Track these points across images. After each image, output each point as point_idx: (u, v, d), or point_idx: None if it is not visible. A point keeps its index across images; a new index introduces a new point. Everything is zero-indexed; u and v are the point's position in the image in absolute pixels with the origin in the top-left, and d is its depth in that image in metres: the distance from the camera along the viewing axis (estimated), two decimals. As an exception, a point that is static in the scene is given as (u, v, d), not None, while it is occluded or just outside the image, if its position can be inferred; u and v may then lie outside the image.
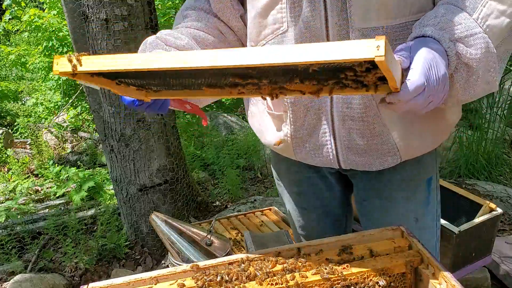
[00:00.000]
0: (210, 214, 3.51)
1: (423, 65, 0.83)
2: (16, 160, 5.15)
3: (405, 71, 0.84)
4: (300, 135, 1.19)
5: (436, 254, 1.34)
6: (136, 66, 0.81)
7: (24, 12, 6.74)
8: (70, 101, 5.93)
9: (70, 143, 5.69)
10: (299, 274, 0.90)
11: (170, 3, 5.62)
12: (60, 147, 5.58)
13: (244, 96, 1.00)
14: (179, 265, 1.29)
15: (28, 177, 4.83)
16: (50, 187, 4.36)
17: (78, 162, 4.96)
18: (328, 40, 1.04)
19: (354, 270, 0.91)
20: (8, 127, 6.27)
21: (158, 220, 1.48)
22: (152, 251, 3.22)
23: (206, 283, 0.89)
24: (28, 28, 6.30)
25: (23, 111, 6.51)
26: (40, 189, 4.41)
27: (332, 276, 0.89)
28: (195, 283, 0.90)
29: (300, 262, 0.94)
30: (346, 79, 0.84)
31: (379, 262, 0.93)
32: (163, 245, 2.85)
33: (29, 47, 7.80)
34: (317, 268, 0.91)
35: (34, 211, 3.84)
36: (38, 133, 5.50)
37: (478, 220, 2.17)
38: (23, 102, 7.22)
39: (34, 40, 6.72)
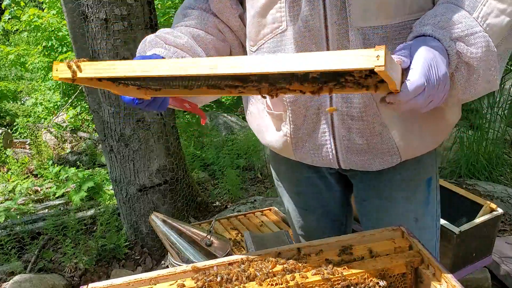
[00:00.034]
0: (210, 215, 3.51)
1: (423, 65, 0.83)
2: (15, 160, 5.15)
3: (405, 70, 0.84)
4: (300, 135, 1.19)
5: (436, 254, 1.34)
6: (136, 73, 0.81)
7: (24, 12, 6.74)
8: (70, 101, 5.93)
9: (69, 143, 5.69)
10: (299, 274, 0.90)
11: (170, 2, 5.63)
12: (60, 147, 5.58)
13: (244, 95, 1.00)
14: (179, 265, 1.29)
15: (27, 177, 4.83)
16: (50, 187, 4.36)
17: (78, 162, 4.96)
18: (327, 39, 1.04)
19: (355, 270, 0.91)
20: (7, 127, 6.27)
21: (157, 220, 1.48)
22: (151, 252, 3.22)
23: (206, 284, 0.89)
24: (27, 28, 6.30)
25: (23, 111, 6.51)
26: (39, 189, 4.41)
27: (332, 276, 0.89)
28: (195, 283, 0.89)
29: (300, 262, 0.93)
30: (346, 82, 0.84)
31: (379, 262, 0.93)
32: (162, 246, 2.85)
33: (29, 47, 7.82)
34: (317, 268, 0.91)
35: (33, 211, 3.84)
36: (37, 133, 5.50)
37: (478, 220, 2.17)
38: (23, 102, 7.23)
39: (34, 40, 6.72)
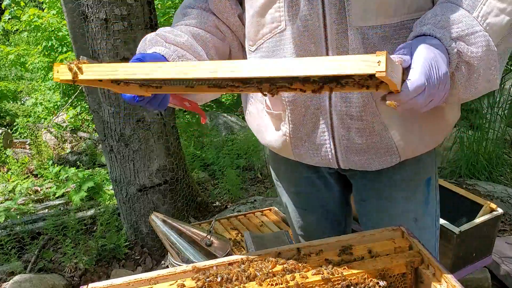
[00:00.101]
0: (210, 215, 3.51)
1: (423, 64, 0.83)
2: (15, 160, 5.15)
3: (406, 70, 0.84)
4: (299, 134, 1.19)
5: (435, 254, 1.34)
6: (136, 76, 0.82)
7: (24, 12, 6.74)
8: (70, 101, 5.93)
9: (69, 143, 5.69)
10: (299, 274, 0.90)
11: (170, 2, 5.63)
12: (60, 147, 5.58)
13: (245, 93, 1.01)
14: (179, 265, 1.29)
15: (27, 177, 4.83)
16: (50, 187, 4.36)
17: (78, 162, 4.96)
18: (326, 38, 1.04)
19: (355, 270, 0.91)
20: (7, 127, 6.27)
21: (157, 220, 1.48)
22: (151, 252, 3.22)
23: (206, 284, 0.89)
24: (27, 28, 6.30)
25: (23, 111, 6.51)
26: (39, 189, 4.41)
27: (332, 276, 0.89)
28: (195, 283, 0.89)
29: (300, 262, 0.93)
30: (347, 83, 0.84)
31: (379, 262, 0.93)
32: (162, 246, 2.85)
33: (29, 47, 7.82)
34: (317, 268, 0.91)
35: (33, 211, 3.84)
36: (37, 133, 5.50)
37: (478, 220, 2.17)
38: (23, 102, 7.23)
39: (34, 40, 6.72)
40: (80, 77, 0.84)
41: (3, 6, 7.97)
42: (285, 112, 1.17)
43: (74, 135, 5.77)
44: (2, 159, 5.27)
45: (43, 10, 6.52)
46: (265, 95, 0.94)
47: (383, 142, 1.13)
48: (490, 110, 3.82)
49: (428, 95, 0.84)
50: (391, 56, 0.79)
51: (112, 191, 3.69)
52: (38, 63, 6.24)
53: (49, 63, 6.09)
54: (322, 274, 0.89)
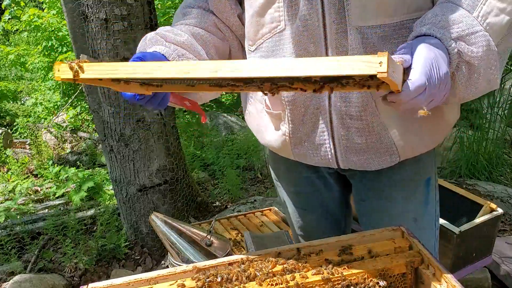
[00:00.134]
0: (210, 215, 3.51)
1: (424, 64, 0.83)
2: (15, 160, 5.15)
3: (407, 69, 0.84)
4: (299, 134, 1.19)
5: (435, 254, 1.33)
6: (137, 75, 0.82)
7: (24, 12, 6.74)
8: (70, 101, 5.93)
9: (69, 143, 5.69)
10: (299, 274, 0.90)
11: (170, 2, 5.63)
12: (60, 147, 5.58)
13: (246, 91, 1.01)
14: (179, 265, 1.29)
15: (27, 177, 4.83)
16: (50, 187, 4.36)
17: (78, 162, 4.96)
18: (325, 38, 1.04)
19: (355, 270, 0.91)
20: (7, 127, 6.27)
21: (157, 220, 1.48)
22: (151, 252, 3.22)
23: (206, 284, 0.89)
24: (27, 28, 6.30)
25: (23, 111, 6.51)
26: (39, 189, 4.41)
27: (332, 276, 0.89)
28: (195, 283, 0.89)
29: (300, 262, 0.93)
30: (347, 83, 0.84)
31: (379, 262, 0.93)
32: (163, 246, 2.85)
33: (29, 47, 7.82)
34: (317, 268, 0.91)
35: (33, 211, 3.84)
36: (37, 133, 5.50)
37: (478, 220, 2.17)
38: (23, 102, 7.23)
39: (34, 40, 6.72)
40: (81, 76, 0.84)
41: (3, 6, 7.97)
42: (284, 112, 1.17)
43: (74, 135, 5.77)
44: (2, 159, 5.27)
45: (43, 10, 6.52)
46: (265, 94, 0.94)
47: (383, 142, 1.13)
48: (490, 110, 3.82)
49: (429, 95, 0.84)
50: (392, 56, 0.79)
51: (112, 191, 3.69)
52: (38, 63, 6.24)
53: (49, 63, 6.09)
54: (322, 274, 0.89)
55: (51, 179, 4.52)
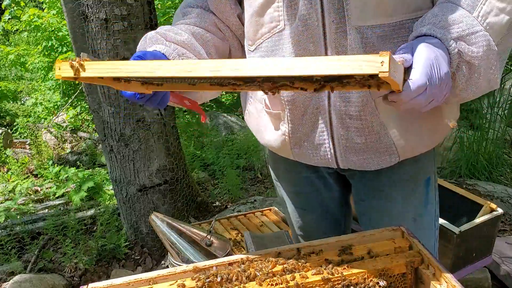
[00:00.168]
0: (210, 215, 3.51)
1: (425, 64, 0.83)
2: (15, 160, 5.15)
3: (407, 69, 0.84)
4: (298, 134, 1.19)
5: (435, 254, 1.33)
6: (138, 74, 0.82)
7: (24, 12, 6.74)
8: (70, 101, 5.93)
9: (69, 143, 5.69)
10: (299, 274, 0.90)
11: (170, 2, 5.63)
12: (60, 147, 5.58)
13: (246, 90, 1.00)
14: (179, 265, 1.29)
15: (27, 177, 4.82)
16: (50, 187, 4.36)
17: (78, 162, 4.96)
18: (325, 38, 1.04)
19: (355, 270, 0.91)
20: (7, 127, 6.26)
21: (157, 220, 1.48)
22: (151, 252, 3.22)
23: (206, 284, 0.89)
24: (27, 28, 6.30)
25: (23, 111, 6.51)
26: (39, 189, 4.41)
27: (332, 276, 0.89)
28: (195, 283, 0.89)
29: (300, 262, 0.93)
30: (348, 82, 0.84)
31: (379, 262, 0.93)
32: (163, 246, 2.85)
33: (29, 47, 7.82)
34: (317, 268, 0.91)
35: (33, 211, 3.84)
36: (37, 133, 5.50)
37: (478, 220, 2.17)
38: (23, 102, 7.23)
39: (34, 40, 6.72)
40: (82, 74, 0.84)
41: (3, 6, 7.96)
42: (284, 112, 1.17)
43: (74, 135, 5.77)
44: (2, 159, 5.27)
45: (43, 10, 6.52)
46: (266, 93, 0.94)
47: (382, 141, 1.12)
48: (490, 110, 3.82)
49: (430, 95, 0.84)
50: (393, 56, 0.79)
51: (112, 191, 3.69)
52: (38, 63, 6.24)
53: (49, 63, 6.09)
54: (322, 274, 0.89)
55: (51, 179, 4.52)
